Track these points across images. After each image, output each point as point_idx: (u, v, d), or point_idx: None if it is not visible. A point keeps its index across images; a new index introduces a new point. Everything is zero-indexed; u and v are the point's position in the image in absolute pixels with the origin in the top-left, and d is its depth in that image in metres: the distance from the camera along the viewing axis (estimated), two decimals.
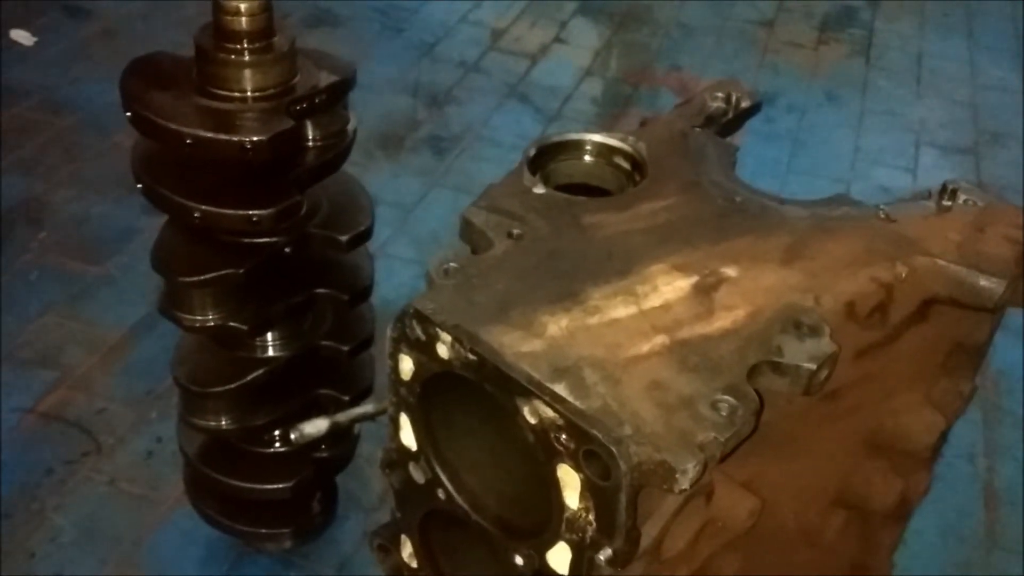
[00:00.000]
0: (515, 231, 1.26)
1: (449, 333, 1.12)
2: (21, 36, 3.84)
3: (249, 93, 1.60)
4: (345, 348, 1.86)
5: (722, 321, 1.14)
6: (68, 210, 3.03)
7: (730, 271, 1.20)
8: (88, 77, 3.62)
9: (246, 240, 1.68)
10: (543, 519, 1.14)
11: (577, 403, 1.03)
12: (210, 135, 1.55)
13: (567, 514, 1.10)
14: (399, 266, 2.83)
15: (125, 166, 1.72)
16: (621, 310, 1.15)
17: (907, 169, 3.62)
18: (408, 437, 1.28)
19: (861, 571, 1.56)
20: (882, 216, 1.30)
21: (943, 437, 1.38)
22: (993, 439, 2.53)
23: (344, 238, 1.74)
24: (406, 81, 3.87)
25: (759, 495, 1.19)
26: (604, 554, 1.08)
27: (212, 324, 1.73)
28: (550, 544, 1.14)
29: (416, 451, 1.28)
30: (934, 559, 2.22)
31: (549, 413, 1.05)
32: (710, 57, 4.23)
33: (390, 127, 3.57)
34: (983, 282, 1.20)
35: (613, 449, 1.00)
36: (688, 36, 4.39)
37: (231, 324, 1.73)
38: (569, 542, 1.12)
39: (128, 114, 1.61)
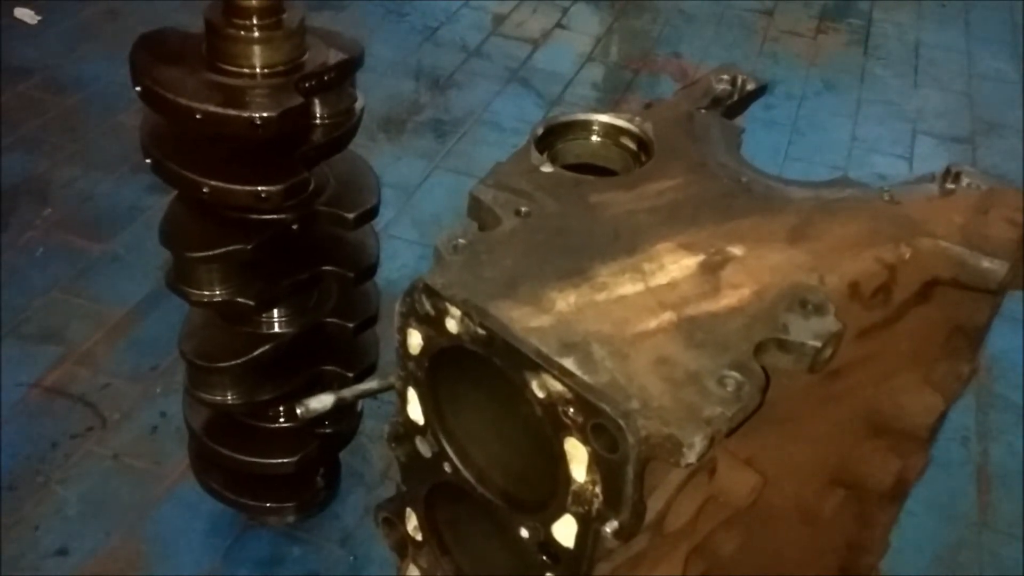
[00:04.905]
0: (523, 209, 1.26)
1: (458, 307, 1.12)
2: (25, 14, 3.84)
3: (258, 69, 1.61)
4: (350, 325, 1.88)
5: (728, 299, 1.14)
6: (73, 188, 3.04)
7: (736, 250, 1.20)
8: (92, 56, 3.63)
9: (254, 216, 1.68)
10: (549, 492, 1.14)
11: (585, 377, 1.04)
12: (219, 110, 1.56)
13: (574, 487, 1.10)
14: (402, 247, 2.85)
15: (129, 144, 1.73)
16: (628, 287, 1.15)
17: (903, 157, 3.64)
18: (415, 411, 1.28)
19: (857, 549, 1.58)
20: (886, 198, 1.30)
21: (941, 418, 1.39)
22: (986, 423, 2.57)
23: (351, 216, 1.75)
24: (408, 65, 3.88)
25: (760, 472, 1.20)
26: (610, 526, 1.08)
27: (219, 299, 1.75)
28: (556, 517, 1.14)
29: (423, 425, 1.28)
30: (927, 539, 2.25)
31: (557, 387, 1.05)
32: (710, 45, 4.24)
33: (393, 110, 3.58)
34: (986, 264, 1.20)
35: (621, 422, 1.00)
36: (688, 23, 4.40)
37: (238, 300, 1.74)
38: (575, 515, 1.12)
39: (137, 89, 1.62)
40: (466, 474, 1.26)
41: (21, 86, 3.47)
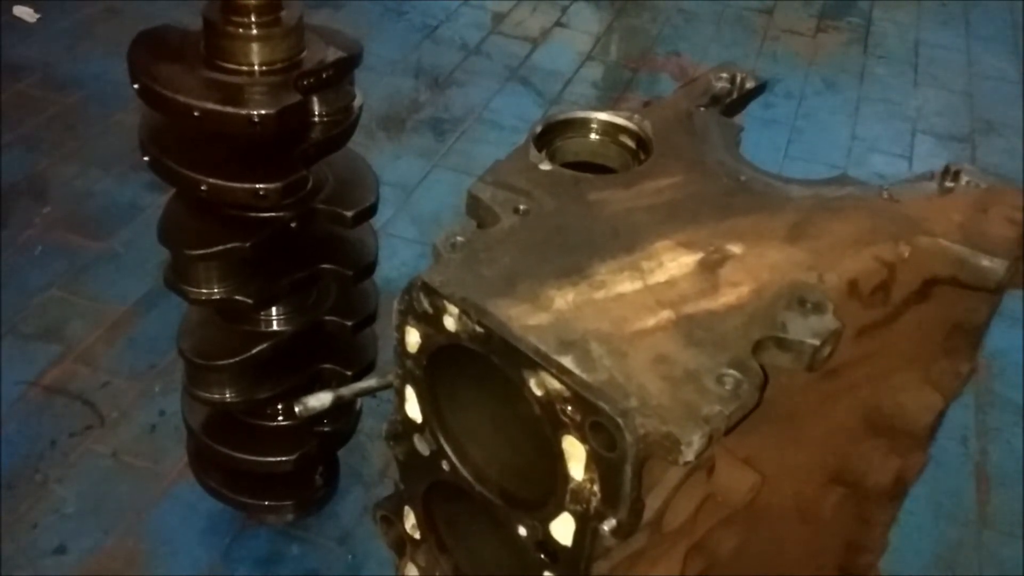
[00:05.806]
0: (521, 206, 1.26)
1: (456, 305, 1.12)
2: (24, 13, 3.84)
3: (257, 67, 1.60)
4: (349, 323, 1.87)
5: (727, 297, 1.14)
6: (71, 186, 3.04)
7: (735, 248, 1.20)
8: (91, 54, 3.64)
9: (252, 214, 1.68)
10: (547, 490, 1.14)
11: (584, 375, 1.04)
12: (218, 108, 1.56)
13: (572, 485, 1.10)
14: (401, 246, 2.85)
15: (128, 143, 1.73)
16: (627, 285, 1.15)
17: (903, 156, 3.64)
18: (413, 409, 1.28)
19: (856, 548, 1.58)
20: (885, 196, 1.30)
21: (941, 417, 1.38)
22: (985, 422, 2.57)
23: (349, 214, 1.75)
24: (408, 63, 3.88)
25: (758, 471, 1.20)
26: (608, 525, 1.08)
27: (218, 297, 1.74)
28: (554, 515, 1.15)
29: (421, 423, 1.28)
30: (926, 538, 2.25)
31: (556, 385, 1.05)
32: (710, 43, 4.24)
33: (392, 108, 3.58)
34: (985, 262, 1.20)
35: (619, 421, 1.00)
36: (688, 22, 4.40)
37: (236, 298, 1.74)
38: (573, 513, 1.12)
39: (136, 86, 1.61)
40: (464, 472, 1.27)
41: (20, 84, 3.47)
